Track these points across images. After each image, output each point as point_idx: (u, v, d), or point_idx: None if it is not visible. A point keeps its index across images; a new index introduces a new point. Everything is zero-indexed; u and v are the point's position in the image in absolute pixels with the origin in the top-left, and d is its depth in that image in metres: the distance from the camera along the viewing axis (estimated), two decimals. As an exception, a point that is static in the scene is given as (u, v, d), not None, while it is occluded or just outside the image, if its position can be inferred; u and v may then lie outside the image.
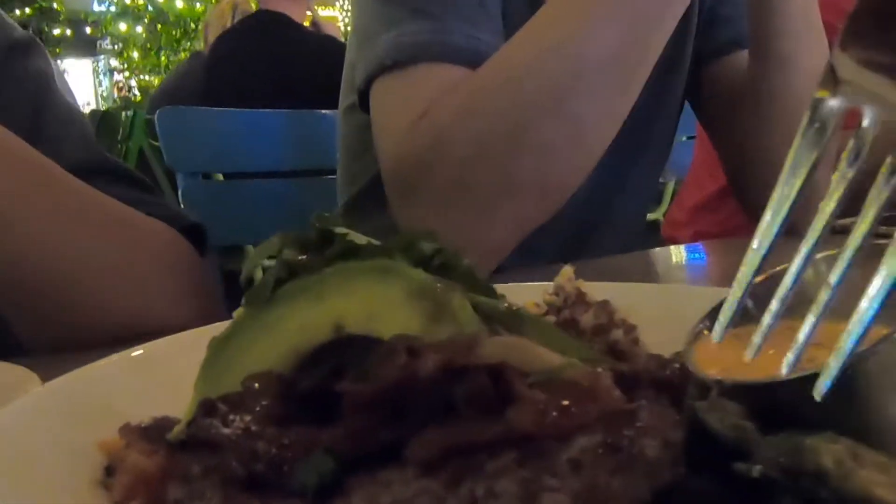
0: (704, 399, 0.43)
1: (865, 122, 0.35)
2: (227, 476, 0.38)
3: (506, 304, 0.48)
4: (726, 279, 0.55)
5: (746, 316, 0.52)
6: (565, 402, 0.36)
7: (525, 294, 0.61)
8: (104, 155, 1.10)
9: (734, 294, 0.42)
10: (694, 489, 0.36)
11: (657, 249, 1.39)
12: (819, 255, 0.50)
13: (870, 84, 0.34)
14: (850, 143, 0.37)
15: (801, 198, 0.40)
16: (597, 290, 0.62)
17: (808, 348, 0.47)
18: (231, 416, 0.41)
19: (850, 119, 0.38)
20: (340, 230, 0.46)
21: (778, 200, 0.40)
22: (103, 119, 4.72)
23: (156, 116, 1.90)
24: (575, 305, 0.59)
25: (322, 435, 0.38)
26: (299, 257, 0.46)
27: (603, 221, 1.42)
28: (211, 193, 2.07)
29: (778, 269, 0.52)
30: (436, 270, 0.46)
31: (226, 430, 0.40)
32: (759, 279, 0.52)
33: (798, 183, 0.40)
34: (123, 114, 4.56)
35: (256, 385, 0.44)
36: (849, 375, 0.41)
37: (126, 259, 0.86)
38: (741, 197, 1.39)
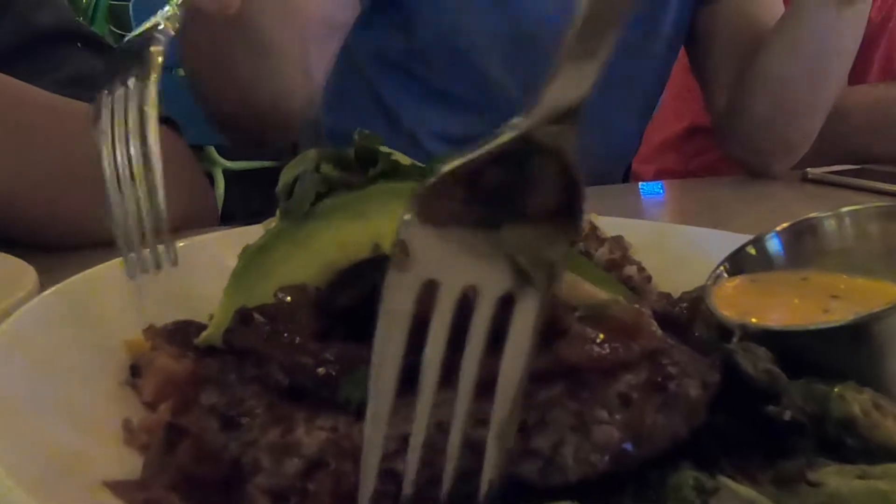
0: (726, 339, 0.45)
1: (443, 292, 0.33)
2: (269, 386, 0.39)
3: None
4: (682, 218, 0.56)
5: (762, 263, 0.53)
6: (611, 339, 0.37)
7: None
8: (77, 22, 1.07)
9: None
10: (726, 429, 0.37)
11: (619, 186, 1.41)
12: (845, 209, 0.52)
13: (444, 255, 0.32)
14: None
15: None
16: (608, 226, 0.63)
17: (825, 299, 0.49)
18: (268, 328, 0.41)
19: None
20: (384, 149, 0.45)
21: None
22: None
23: (129, 4, 1.83)
24: (588, 239, 0.60)
25: (366, 352, 0.38)
26: (338, 173, 0.45)
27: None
28: (179, 89, 2.01)
29: (799, 219, 0.53)
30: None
31: (267, 342, 0.40)
32: (779, 228, 0.54)
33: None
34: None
35: (289, 298, 0.44)
36: (864, 332, 0.43)
37: None
38: (722, 142, 1.40)
